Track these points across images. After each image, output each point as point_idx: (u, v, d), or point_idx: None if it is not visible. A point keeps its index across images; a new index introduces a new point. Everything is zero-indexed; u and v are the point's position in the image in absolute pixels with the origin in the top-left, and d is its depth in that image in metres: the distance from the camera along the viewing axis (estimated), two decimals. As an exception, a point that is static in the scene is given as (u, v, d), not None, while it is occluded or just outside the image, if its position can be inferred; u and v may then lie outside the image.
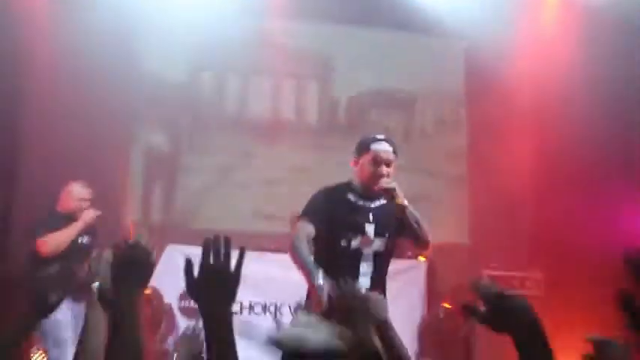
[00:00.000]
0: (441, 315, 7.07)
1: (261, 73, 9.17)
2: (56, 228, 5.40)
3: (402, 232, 4.08)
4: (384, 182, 3.96)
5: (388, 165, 4.03)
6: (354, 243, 3.94)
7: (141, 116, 8.67)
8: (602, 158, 7.51)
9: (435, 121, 9.40)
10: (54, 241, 5.28)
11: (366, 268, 3.94)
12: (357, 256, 3.93)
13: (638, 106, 7.47)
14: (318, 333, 1.79)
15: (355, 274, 3.84)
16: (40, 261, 5.20)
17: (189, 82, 8.95)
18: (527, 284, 7.11)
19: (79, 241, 5.48)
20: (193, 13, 8.27)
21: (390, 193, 3.99)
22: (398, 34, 9.16)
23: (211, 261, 1.88)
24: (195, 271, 1.89)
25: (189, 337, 2.35)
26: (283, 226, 7.50)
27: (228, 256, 1.89)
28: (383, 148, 4.09)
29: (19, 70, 7.45)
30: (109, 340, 1.88)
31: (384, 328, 2.45)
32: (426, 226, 4.04)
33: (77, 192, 5.67)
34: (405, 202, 3.98)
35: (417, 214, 4.03)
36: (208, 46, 8.72)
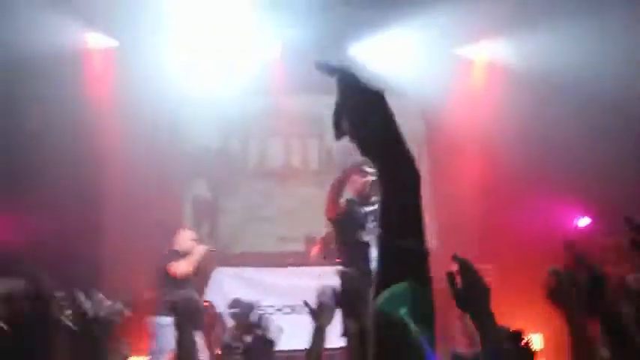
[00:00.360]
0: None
1: (275, 135, 9.23)
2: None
3: None
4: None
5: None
6: (362, 236, 3.89)
7: (188, 173, 8.68)
8: (533, 174, 7.53)
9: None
10: (184, 267, 5.28)
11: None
12: (366, 247, 3.85)
13: (552, 135, 7.48)
14: None
15: (368, 260, 3.79)
16: (169, 280, 5.24)
17: (222, 146, 9.01)
18: (482, 273, 7.01)
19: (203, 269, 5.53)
20: (221, 91, 8.34)
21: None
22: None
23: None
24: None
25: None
26: (299, 245, 7.48)
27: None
28: (359, 161, 4.18)
29: (98, 152, 7.49)
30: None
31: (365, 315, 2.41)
32: None
33: (189, 234, 5.71)
34: None
35: None
36: (234, 118, 8.84)
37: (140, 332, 5.75)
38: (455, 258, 1.85)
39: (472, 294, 1.81)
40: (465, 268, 1.83)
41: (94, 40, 8.06)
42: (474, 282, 1.81)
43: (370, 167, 4.04)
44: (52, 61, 6.90)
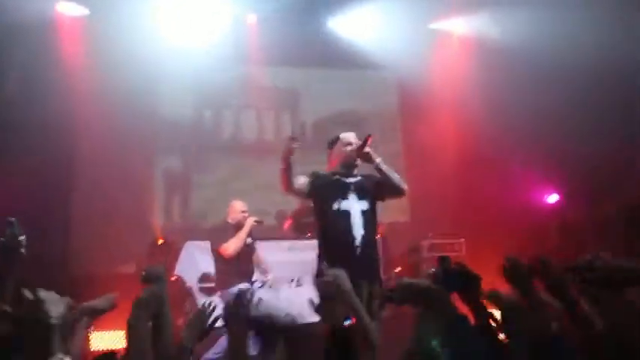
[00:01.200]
0: (394, 277, 7.04)
1: (248, 107, 9.15)
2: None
3: (380, 191, 3.95)
4: (365, 149, 3.89)
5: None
6: (344, 205, 3.79)
7: (159, 145, 8.58)
8: (505, 150, 7.59)
9: (379, 133, 9.40)
10: (234, 245, 5.14)
11: (356, 221, 3.74)
12: (348, 216, 3.75)
13: (523, 111, 7.52)
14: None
15: (350, 230, 3.70)
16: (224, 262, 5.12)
17: (195, 117, 8.90)
18: (454, 248, 7.10)
19: (246, 242, 5.34)
20: (196, 63, 8.22)
21: (368, 157, 3.90)
22: (345, 71, 9.19)
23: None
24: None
25: (201, 311, 2.28)
26: (272, 219, 7.47)
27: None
28: (348, 134, 4.10)
29: (69, 117, 7.36)
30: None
31: (349, 296, 2.40)
32: (397, 176, 3.97)
33: (239, 206, 5.52)
34: (378, 160, 3.90)
35: (389, 169, 3.94)
36: (207, 89, 8.75)
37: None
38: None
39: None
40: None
41: (65, 8, 7.87)
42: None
43: (353, 137, 4.05)
44: (22, 29, 6.72)
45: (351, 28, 8.82)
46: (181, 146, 8.74)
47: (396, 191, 3.99)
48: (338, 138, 4.10)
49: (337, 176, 3.96)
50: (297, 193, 3.94)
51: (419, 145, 8.60)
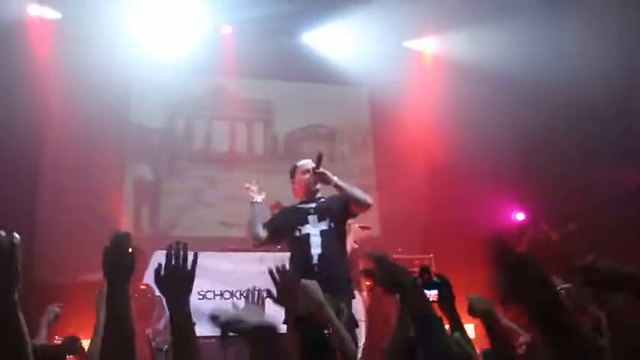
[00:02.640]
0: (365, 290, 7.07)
1: (220, 119, 9.14)
2: None
3: (346, 208, 4.02)
4: (318, 170, 3.97)
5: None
6: (304, 230, 3.92)
7: (130, 154, 8.49)
8: (474, 168, 7.70)
9: (350, 147, 9.48)
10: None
11: (315, 242, 3.87)
12: (307, 238, 3.89)
13: (494, 128, 7.65)
14: (252, 316, 1.76)
15: (308, 250, 3.84)
16: None
17: (167, 127, 8.85)
18: (423, 263, 7.15)
19: None
20: (168, 74, 8.21)
21: (323, 177, 3.98)
22: (319, 85, 9.26)
23: (173, 263, 1.83)
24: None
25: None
26: (240, 232, 7.45)
27: (185, 258, 1.84)
28: (305, 162, 4.19)
29: (37, 122, 7.26)
30: (106, 317, 1.76)
31: (322, 307, 2.41)
32: (358, 190, 4.02)
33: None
34: (335, 179, 3.96)
35: (350, 185, 4.01)
36: (180, 99, 8.73)
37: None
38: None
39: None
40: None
41: (37, 11, 7.79)
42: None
43: (310, 164, 4.12)
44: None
45: (326, 42, 8.92)
46: (152, 155, 8.67)
47: (360, 205, 4.03)
48: (296, 167, 4.23)
49: (300, 204, 4.12)
50: (266, 244, 4.18)
51: (390, 160, 8.69)
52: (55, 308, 3.75)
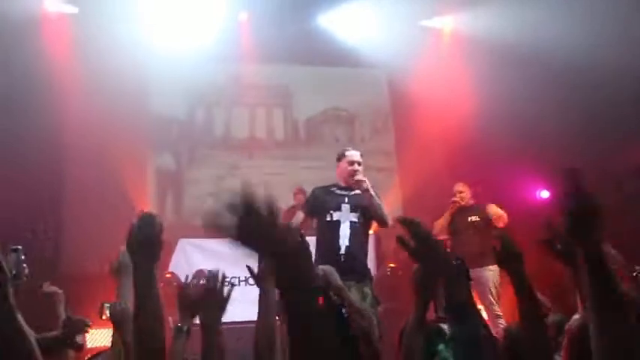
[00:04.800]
0: (388, 272, 7.07)
1: (240, 105, 9.15)
2: None
3: (369, 214, 4.28)
4: (359, 176, 4.22)
5: (359, 164, 4.35)
6: (335, 216, 4.21)
7: (152, 144, 8.57)
8: (495, 147, 7.62)
9: (371, 130, 9.43)
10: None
11: (344, 232, 4.17)
12: (337, 225, 4.18)
13: (515, 107, 7.55)
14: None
15: (337, 239, 4.13)
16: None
17: (187, 116, 8.89)
18: (446, 244, 7.11)
19: None
20: (186, 63, 8.22)
21: (361, 185, 4.19)
22: (337, 68, 9.20)
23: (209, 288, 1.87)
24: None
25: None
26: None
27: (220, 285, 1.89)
28: (354, 153, 4.44)
29: (58, 117, 7.34)
30: (136, 307, 1.74)
31: (340, 290, 2.42)
32: (385, 210, 4.27)
33: None
34: (372, 192, 4.20)
35: (379, 202, 4.25)
36: (199, 88, 8.77)
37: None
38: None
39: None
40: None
41: (53, 6, 7.84)
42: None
43: (357, 157, 4.40)
44: (8, 27, 6.67)
45: (343, 25, 8.83)
46: (174, 144, 8.73)
47: (379, 222, 4.35)
48: (344, 154, 4.44)
49: (335, 189, 4.38)
50: (303, 225, 4.47)
51: (411, 142, 8.62)
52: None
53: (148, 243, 1.77)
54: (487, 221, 5.85)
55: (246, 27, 8.56)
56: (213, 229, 1.10)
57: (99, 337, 5.77)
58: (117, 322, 2.20)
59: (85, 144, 7.45)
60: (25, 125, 6.69)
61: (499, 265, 2.04)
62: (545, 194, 8.21)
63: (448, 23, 9.12)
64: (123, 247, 2.02)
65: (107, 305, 2.27)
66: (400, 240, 1.70)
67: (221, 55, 8.39)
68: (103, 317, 2.46)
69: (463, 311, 1.62)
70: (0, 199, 5.97)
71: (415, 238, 1.67)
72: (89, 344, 5.60)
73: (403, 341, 1.94)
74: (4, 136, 6.54)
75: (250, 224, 1.12)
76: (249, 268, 2.31)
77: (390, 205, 8.34)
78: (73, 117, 7.39)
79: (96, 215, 7.18)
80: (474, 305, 1.70)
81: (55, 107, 7.23)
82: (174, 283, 6.19)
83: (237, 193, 1.11)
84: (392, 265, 7.16)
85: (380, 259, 6.89)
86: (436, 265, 1.70)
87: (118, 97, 7.49)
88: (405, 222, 1.69)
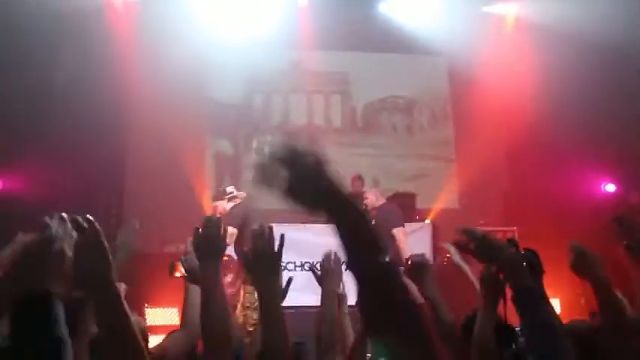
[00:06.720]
0: (445, 263, 7.00)
1: (298, 92, 9.19)
2: None
3: None
4: None
5: None
6: None
7: (210, 130, 8.72)
8: (559, 137, 7.40)
9: (429, 118, 9.31)
10: None
11: None
12: None
13: (579, 97, 7.31)
14: None
15: None
16: None
17: (245, 103, 9.00)
18: (506, 236, 6.98)
19: None
20: (245, 50, 8.30)
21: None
22: (396, 55, 9.10)
23: (260, 245, 1.84)
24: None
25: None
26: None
27: (271, 240, 1.86)
28: None
29: (121, 106, 7.57)
30: (202, 305, 1.84)
31: None
32: None
33: None
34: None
35: None
36: (257, 75, 8.84)
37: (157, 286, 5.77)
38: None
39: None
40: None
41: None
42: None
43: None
44: (75, 17, 6.90)
45: (403, 11, 8.72)
46: (232, 131, 8.85)
47: None
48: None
49: None
50: None
51: (470, 131, 8.45)
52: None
53: (212, 243, 1.89)
54: None
55: (306, 13, 8.56)
56: (264, 183, 1.09)
57: (159, 316, 5.95)
58: (191, 277, 2.29)
59: (147, 129, 7.66)
60: (92, 112, 6.92)
61: (576, 274, 2.02)
62: (610, 188, 7.94)
63: (511, 9, 8.87)
64: (189, 243, 2.15)
65: (182, 259, 2.33)
66: (458, 245, 1.73)
67: (280, 41, 8.42)
68: (177, 274, 2.52)
69: (530, 297, 1.59)
70: (71, 181, 6.23)
71: (473, 240, 1.67)
72: (149, 322, 5.80)
73: (473, 341, 1.93)
74: (74, 122, 6.81)
75: (297, 175, 1.09)
76: (312, 269, 2.48)
77: (448, 194, 8.26)
78: (136, 103, 7.60)
79: (156, 198, 7.39)
80: (543, 291, 1.66)
81: (119, 95, 7.44)
82: (231, 266, 6.32)
83: (281, 145, 1.08)
84: (448, 255, 7.08)
85: (437, 249, 6.84)
86: (496, 258, 1.68)
87: (178, 83, 7.65)
88: (463, 232, 1.71)
